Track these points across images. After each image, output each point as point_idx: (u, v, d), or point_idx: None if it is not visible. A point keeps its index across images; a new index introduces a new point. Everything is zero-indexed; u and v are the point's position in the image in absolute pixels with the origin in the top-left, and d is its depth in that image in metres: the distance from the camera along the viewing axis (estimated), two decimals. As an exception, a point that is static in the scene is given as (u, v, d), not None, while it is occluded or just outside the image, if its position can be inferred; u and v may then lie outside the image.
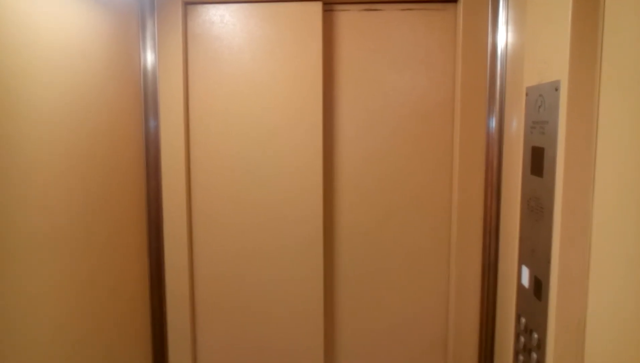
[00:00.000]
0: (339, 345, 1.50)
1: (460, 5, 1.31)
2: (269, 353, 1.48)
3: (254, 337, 1.47)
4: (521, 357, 1.02)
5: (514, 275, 1.10)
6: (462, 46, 1.31)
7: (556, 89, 0.85)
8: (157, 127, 1.39)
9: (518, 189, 1.07)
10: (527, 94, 1.01)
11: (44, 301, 0.96)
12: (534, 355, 0.94)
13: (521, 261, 1.04)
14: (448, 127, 1.39)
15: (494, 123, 1.30)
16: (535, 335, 0.94)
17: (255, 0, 1.35)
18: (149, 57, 1.38)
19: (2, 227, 0.84)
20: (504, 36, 1.26)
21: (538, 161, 0.94)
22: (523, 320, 1.01)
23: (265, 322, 1.46)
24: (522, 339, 1.01)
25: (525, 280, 1.00)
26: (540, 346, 0.91)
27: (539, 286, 0.92)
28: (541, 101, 0.93)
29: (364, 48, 1.39)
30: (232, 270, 1.45)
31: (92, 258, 1.14)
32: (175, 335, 1.45)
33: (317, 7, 1.34)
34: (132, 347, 1.34)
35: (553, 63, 0.88)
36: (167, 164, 1.40)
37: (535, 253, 0.95)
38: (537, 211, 0.94)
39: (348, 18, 1.39)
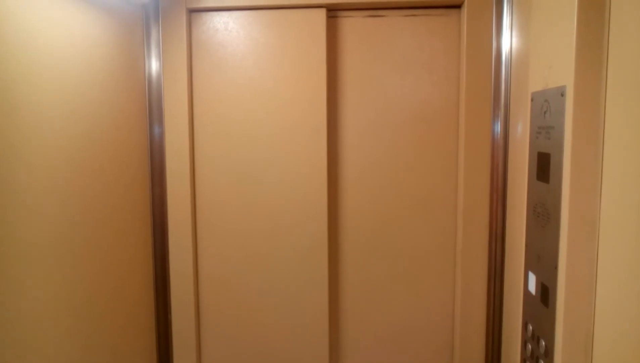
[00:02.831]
0: (344, 350, 1.50)
1: (464, 11, 1.31)
2: (273, 358, 1.47)
3: (258, 341, 1.47)
4: (528, 365, 1.01)
5: (521, 281, 1.09)
6: (466, 51, 1.31)
7: (562, 95, 0.85)
8: (161, 134, 1.40)
9: (524, 195, 1.06)
10: (532, 100, 1.01)
11: (48, 305, 0.96)
12: (542, 363, 0.93)
13: (527, 267, 1.03)
14: (453, 133, 1.39)
15: (499, 128, 1.29)
16: (543, 342, 0.93)
17: (259, 7, 1.36)
18: (154, 64, 1.38)
19: (7, 232, 0.85)
20: (509, 41, 1.25)
21: (544, 167, 0.93)
22: (530, 327, 1.00)
23: (270, 326, 1.46)
24: (529, 346, 1.01)
25: (532, 287, 1.00)
26: (548, 353, 0.90)
27: (546, 293, 0.92)
28: (547, 107, 0.92)
29: (367, 54, 1.39)
30: (237, 274, 1.45)
31: (97, 263, 1.14)
32: (180, 340, 1.45)
33: (321, 14, 1.34)
34: (136, 353, 1.34)
35: (559, 68, 0.87)
36: (172, 170, 1.40)
37: (542, 259, 0.94)
38: (544, 217, 0.93)
39: (352, 24, 1.39)
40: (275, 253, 1.43)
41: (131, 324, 1.31)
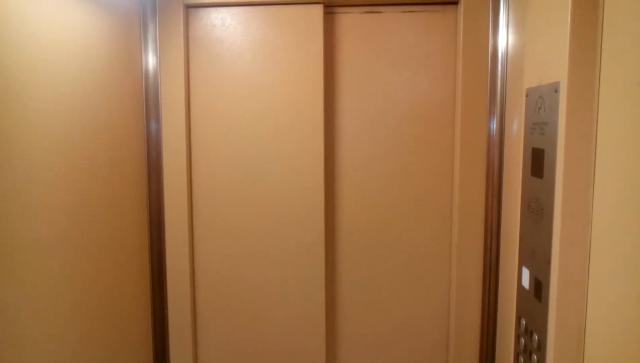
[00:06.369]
0: (341, 347, 1.50)
1: (461, 7, 1.31)
2: (270, 355, 1.48)
3: (255, 339, 1.48)
4: (522, 359, 1.02)
5: (515, 276, 1.09)
6: (462, 48, 1.31)
7: (556, 91, 0.86)
8: (158, 130, 1.40)
9: (518, 190, 1.07)
10: (527, 96, 1.01)
11: (45, 302, 0.97)
12: (535, 357, 0.94)
13: (521, 262, 1.04)
14: (449, 129, 1.39)
15: (494, 125, 1.30)
16: (536, 337, 0.94)
17: (257, 3, 1.36)
18: (151, 60, 1.38)
19: (3, 228, 0.85)
20: (505, 38, 1.26)
21: (538, 163, 0.94)
22: (523, 321, 1.01)
23: (267, 324, 1.46)
24: (522, 340, 1.01)
25: (526, 281, 1.00)
26: (541, 347, 0.91)
27: (539, 288, 0.92)
28: (541, 103, 0.93)
29: (365, 50, 1.39)
30: (234, 271, 1.45)
31: (94, 259, 1.14)
32: (176, 337, 1.45)
33: (318, 10, 1.34)
34: (133, 349, 1.35)
35: (553, 65, 0.88)
36: (168, 167, 1.40)
37: (536, 254, 0.95)
38: (538, 212, 0.94)
39: (349, 20, 1.39)
40: (272, 249, 1.43)
41: (128, 319, 1.32)
